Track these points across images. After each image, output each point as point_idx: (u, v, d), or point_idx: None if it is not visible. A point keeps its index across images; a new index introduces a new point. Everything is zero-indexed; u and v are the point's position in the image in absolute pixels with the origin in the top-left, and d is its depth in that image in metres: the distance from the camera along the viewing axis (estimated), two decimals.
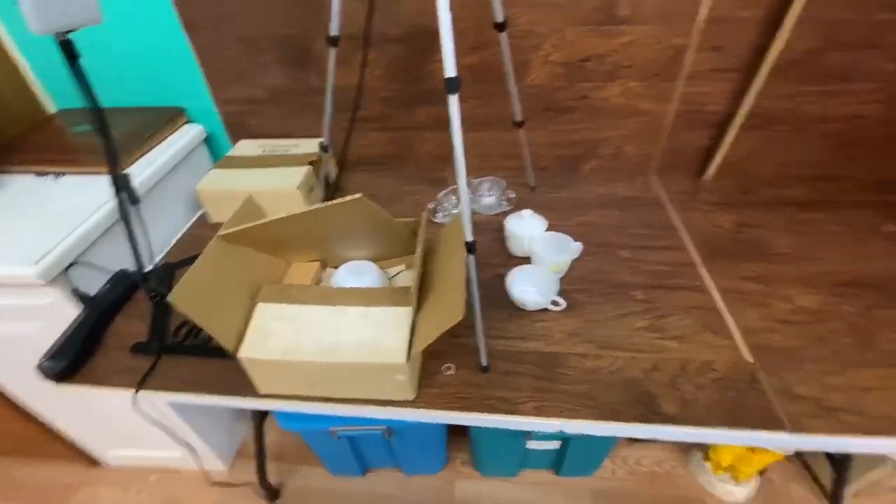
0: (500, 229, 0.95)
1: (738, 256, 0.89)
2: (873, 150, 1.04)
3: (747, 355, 0.71)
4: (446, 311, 0.57)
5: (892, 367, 0.68)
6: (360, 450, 1.14)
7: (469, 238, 0.62)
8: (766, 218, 0.98)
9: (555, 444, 1.12)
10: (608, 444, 1.11)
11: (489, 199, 1.03)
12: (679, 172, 1.12)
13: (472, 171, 1.07)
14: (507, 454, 1.15)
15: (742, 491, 1.16)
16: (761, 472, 1.17)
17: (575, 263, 0.87)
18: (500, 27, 0.76)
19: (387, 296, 0.67)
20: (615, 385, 0.68)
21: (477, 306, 0.67)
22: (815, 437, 0.61)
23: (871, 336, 0.73)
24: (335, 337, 0.63)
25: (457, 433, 1.27)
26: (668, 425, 0.62)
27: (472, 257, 0.63)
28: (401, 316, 0.64)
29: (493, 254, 0.92)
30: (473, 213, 0.94)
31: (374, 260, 0.80)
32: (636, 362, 0.71)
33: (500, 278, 0.82)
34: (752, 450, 1.08)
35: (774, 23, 0.88)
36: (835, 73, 0.94)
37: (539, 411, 0.65)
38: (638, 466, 1.26)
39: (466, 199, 0.60)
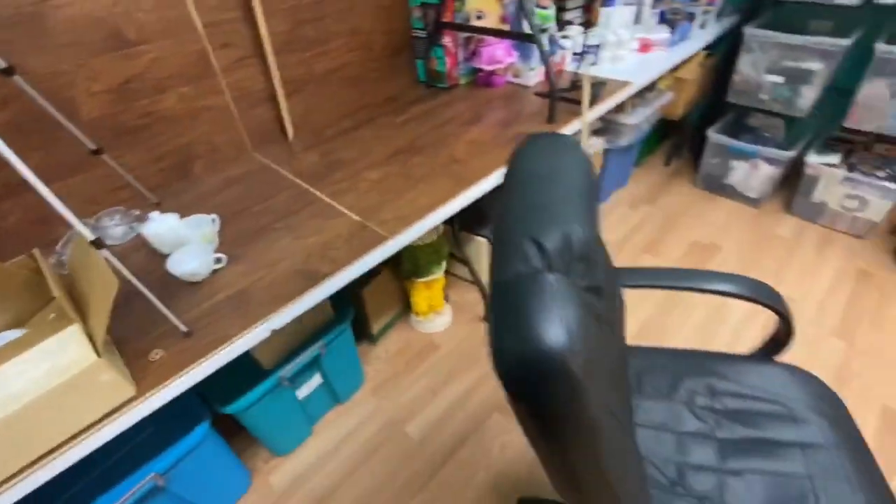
0: (143, 246, 1.02)
1: (329, 173, 1.25)
2: (370, 80, 1.59)
3: (357, 218, 1.07)
4: (103, 291, 0.66)
5: (422, 182, 1.17)
6: None
7: (91, 238, 0.70)
8: (335, 145, 1.38)
9: (318, 381, 1.33)
10: (350, 347, 1.38)
11: (118, 229, 1.06)
12: (270, 142, 1.42)
13: (88, 214, 1.07)
14: (288, 416, 1.28)
15: (442, 319, 1.67)
16: (446, 299, 1.71)
17: (224, 230, 1.05)
18: (7, 72, 0.80)
19: (42, 332, 0.68)
20: (291, 279, 0.91)
21: (145, 289, 0.76)
22: (401, 236, 1.01)
23: (409, 174, 1.20)
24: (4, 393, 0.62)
25: (240, 443, 1.31)
26: (329, 279, 0.91)
27: (104, 250, 0.71)
28: (68, 336, 0.67)
29: (151, 269, 0.98)
30: (110, 247, 0.97)
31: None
32: (297, 260, 0.96)
33: (168, 275, 0.92)
34: (428, 286, 1.57)
35: (252, 19, 1.22)
36: (313, 40, 1.38)
37: (247, 329, 0.82)
38: (388, 353, 1.61)
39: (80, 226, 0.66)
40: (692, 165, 2.34)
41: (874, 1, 1.60)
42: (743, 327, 1.58)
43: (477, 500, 1.22)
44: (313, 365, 1.26)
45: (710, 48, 2.03)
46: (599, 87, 1.53)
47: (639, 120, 1.83)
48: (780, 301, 0.87)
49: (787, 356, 1.52)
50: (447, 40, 1.55)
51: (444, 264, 1.54)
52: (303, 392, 1.29)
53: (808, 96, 1.80)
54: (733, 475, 0.77)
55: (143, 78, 1.12)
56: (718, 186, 2.17)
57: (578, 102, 1.43)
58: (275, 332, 0.86)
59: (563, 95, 1.44)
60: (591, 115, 1.43)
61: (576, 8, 1.84)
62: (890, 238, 1.85)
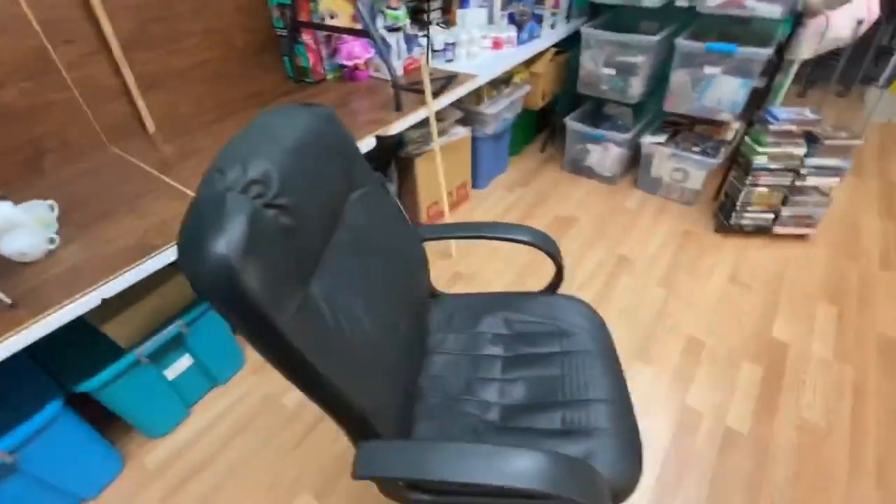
0: None
1: (182, 161, 1.32)
2: (235, 76, 1.67)
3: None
4: None
5: None
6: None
7: None
8: (195, 137, 1.46)
9: (187, 361, 1.39)
10: (221, 327, 1.45)
11: None
12: (130, 135, 1.46)
13: None
14: (156, 397, 1.33)
15: None
16: None
17: (68, 216, 1.10)
18: None
19: None
20: (124, 254, 0.99)
21: None
22: None
23: None
24: None
25: (116, 427, 1.35)
26: (161, 251, 1.00)
27: None
28: None
29: None
30: None
31: None
32: (135, 237, 1.04)
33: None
34: None
35: (94, 16, 1.27)
36: (165, 37, 1.44)
37: (72, 298, 0.89)
38: None
39: None
40: (562, 151, 2.61)
41: (675, 3, 1.92)
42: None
43: (338, 456, 1.34)
44: (179, 345, 1.33)
45: (563, 45, 2.31)
46: (449, 81, 1.72)
47: (497, 110, 2.05)
48: (554, 247, 1.06)
49: (619, 300, 1.76)
50: (307, 38, 1.67)
51: None
52: (172, 373, 1.34)
53: (636, 86, 2.10)
54: (510, 382, 0.96)
55: None
56: (580, 168, 2.45)
57: (439, 91, 1.60)
58: (105, 301, 0.93)
59: (412, 87, 1.61)
60: (436, 104, 1.61)
61: (436, 9, 2.03)
62: (712, 204, 2.20)
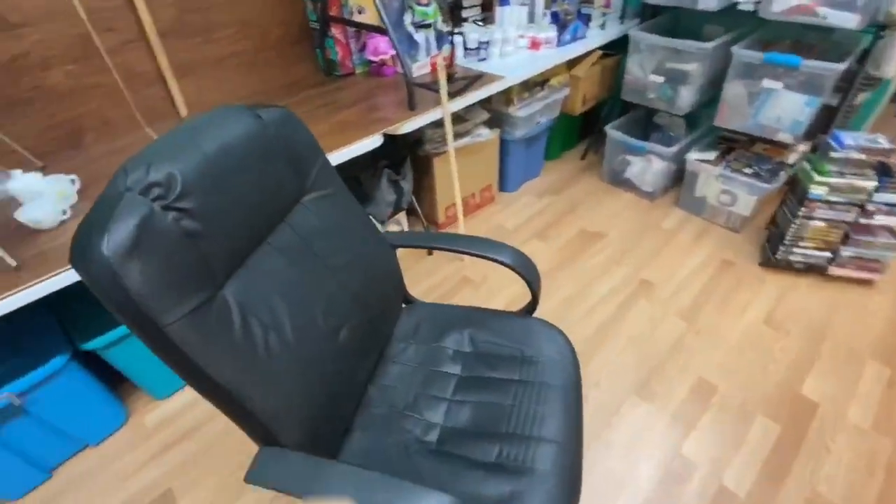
0: (13, 200, 1.18)
1: None
2: (268, 66, 1.73)
3: None
4: None
5: None
6: (15, 443, 1.21)
7: None
8: None
9: None
10: None
11: None
12: (163, 118, 1.57)
13: None
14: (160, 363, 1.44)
15: None
16: None
17: (91, 190, 1.21)
18: None
19: None
20: None
21: None
22: None
23: None
24: None
25: (127, 386, 1.48)
26: None
27: None
28: None
29: (5, 218, 1.13)
30: None
31: None
32: None
33: (19, 223, 1.08)
34: None
35: (135, 8, 1.37)
36: (200, 27, 1.53)
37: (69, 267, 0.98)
38: None
39: None
40: (603, 161, 2.46)
41: (738, 7, 1.72)
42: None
43: None
44: None
45: (614, 47, 2.16)
46: (472, 82, 1.67)
47: (528, 113, 1.97)
48: (531, 273, 1.00)
49: (632, 327, 1.64)
50: (337, 32, 1.70)
51: None
52: None
53: (686, 96, 1.92)
54: (458, 404, 0.92)
55: (28, 56, 1.27)
56: (620, 180, 2.30)
57: (459, 92, 1.58)
58: None
59: (429, 86, 1.59)
60: (453, 105, 1.57)
61: (475, 6, 1.97)
62: (762, 233, 1.97)
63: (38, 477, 1.28)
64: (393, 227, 1.91)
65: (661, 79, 1.95)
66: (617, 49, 2.18)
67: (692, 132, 2.12)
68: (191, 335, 0.56)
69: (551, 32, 1.91)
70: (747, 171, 1.88)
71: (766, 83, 1.66)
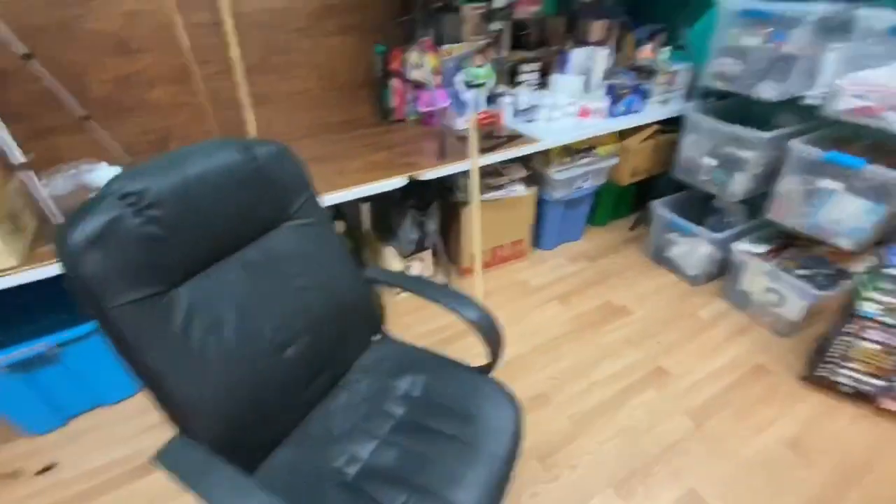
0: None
1: None
2: (330, 105, 1.95)
3: None
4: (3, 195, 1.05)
5: None
6: (44, 386, 1.41)
7: (21, 160, 1.10)
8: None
9: None
10: None
11: (64, 177, 1.48)
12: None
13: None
14: None
15: None
16: None
17: None
18: (27, 57, 1.27)
19: None
20: None
21: (52, 208, 1.15)
22: None
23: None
24: None
25: None
26: None
27: (26, 172, 1.11)
28: None
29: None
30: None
31: None
32: None
33: None
34: None
35: (227, 45, 1.65)
36: (280, 67, 1.78)
37: None
38: None
39: None
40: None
41: (805, 101, 1.62)
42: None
43: None
44: None
45: (675, 123, 2.12)
46: (507, 140, 1.74)
47: (566, 177, 1.98)
48: (493, 335, 1.00)
49: (630, 415, 1.53)
50: (395, 82, 1.88)
51: None
52: None
53: (740, 182, 1.81)
54: (388, 445, 0.94)
55: (142, 75, 1.58)
56: (662, 259, 2.19)
57: (491, 148, 1.67)
58: None
59: (465, 139, 1.68)
60: (482, 159, 1.64)
61: (532, 71, 2.07)
62: (811, 344, 1.75)
63: (56, 422, 1.49)
64: (415, 264, 1.99)
65: (714, 162, 1.87)
66: (676, 125, 2.13)
67: (749, 221, 1.98)
68: (130, 319, 0.66)
69: (602, 103, 1.93)
70: (801, 272, 1.70)
71: (824, 183, 1.53)
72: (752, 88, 1.66)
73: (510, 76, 2.08)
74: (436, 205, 1.86)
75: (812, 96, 1.54)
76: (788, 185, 1.64)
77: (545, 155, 1.95)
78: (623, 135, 2.07)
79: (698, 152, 1.92)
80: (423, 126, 1.95)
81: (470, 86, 1.83)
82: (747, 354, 1.73)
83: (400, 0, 1.83)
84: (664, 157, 2.20)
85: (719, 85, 1.79)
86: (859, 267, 1.69)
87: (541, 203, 2.12)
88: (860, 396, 1.50)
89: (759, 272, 1.79)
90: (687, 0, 2.09)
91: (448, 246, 2.09)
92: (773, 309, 1.78)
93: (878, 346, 1.40)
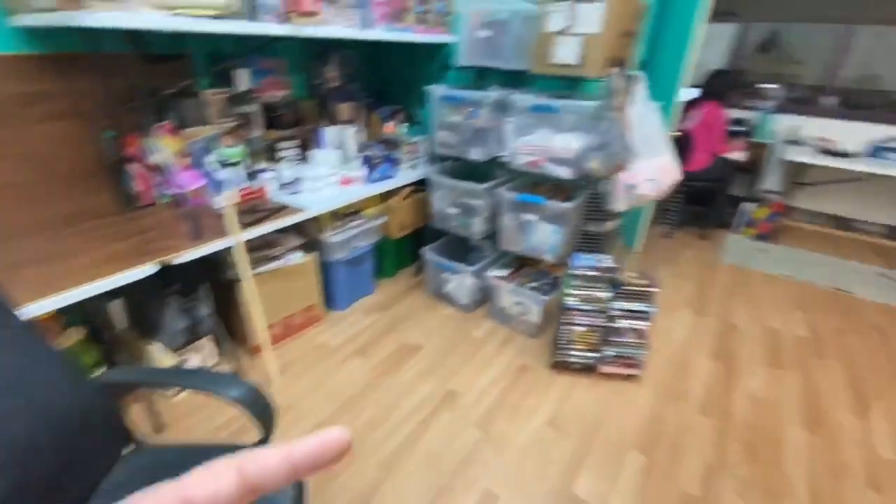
0: None
1: None
2: (64, 196, 1.70)
3: None
4: None
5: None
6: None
7: None
8: None
9: None
10: None
11: None
12: None
13: None
14: None
15: None
16: None
17: None
18: None
19: None
20: None
21: None
22: None
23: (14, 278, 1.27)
24: None
25: None
26: None
27: None
28: None
29: None
30: None
31: None
32: None
33: None
34: None
35: None
36: None
37: None
38: None
39: None
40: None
41: (497, 160, 2.15)
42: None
43: None
44: None
45: (423, 183, 2.51)
46: (271, 213, 1.80)
47: (341, 239, 2.14)
48: (264, 410, 1.00)
49: (429, 443, 1.64)
50: (136, 168, 1.76)
51: (97, 371, 1.54)
52: None
53: (478, 224, 2.26)
54: None
55: None
56: (442, 295, 2.50)
57: (256, 222, 1.67)
58: None
59: (211, 216, 1.67)
60: (246, 234, 1.66)
61: (294, 147, 2.21)
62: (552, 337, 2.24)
63: None
64: (192, 356, 1.81)
65: (457, 210, 2.28)
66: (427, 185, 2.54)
67: (495, 252, 2.46)
68: None
69: (360, 172, 2.18)
70: (532, 284, 2.18)
71: (525, 216, 2.04)
72: (466, 153, 2.13)
73: (270, 153, 2.17)
74: (204, 287, 1.76)
75: (505, 156, 2.07)
76: (507, 221, 2.13)
77: (317, 222, 2.07)
78: (385, 197, 2.36)
79: (444, 204, 2.33)
80: (177, 208, 1.85)
81: (224, 165, 1.85)
82: (513, 359, 2.10)
83: (125, 86, 1.76)
84: (423, 211, 2.58)
85: (445, 151, 2.24)
86: (561, 273, 2.27)
87: (326, 266, 2.21)
88: (587, 369, 1.98)
89: (506, 291, 2.22)
90: (413, 87, 2.57)
91: (232, 327, 1.98)
92: (523, 317, 2.23)
93: (585, 328, 1.90)
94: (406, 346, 2.17)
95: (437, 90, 2.10)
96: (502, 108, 2.01)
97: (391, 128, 2.44)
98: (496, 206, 2.22)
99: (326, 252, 2.17)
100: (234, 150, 1.85)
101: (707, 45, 3.95)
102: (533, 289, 2.15)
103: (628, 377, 1.98)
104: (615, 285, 1.83)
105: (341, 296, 2.39)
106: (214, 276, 1.83)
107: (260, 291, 1.89)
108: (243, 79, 2.02)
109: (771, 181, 3.83)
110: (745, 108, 3.88)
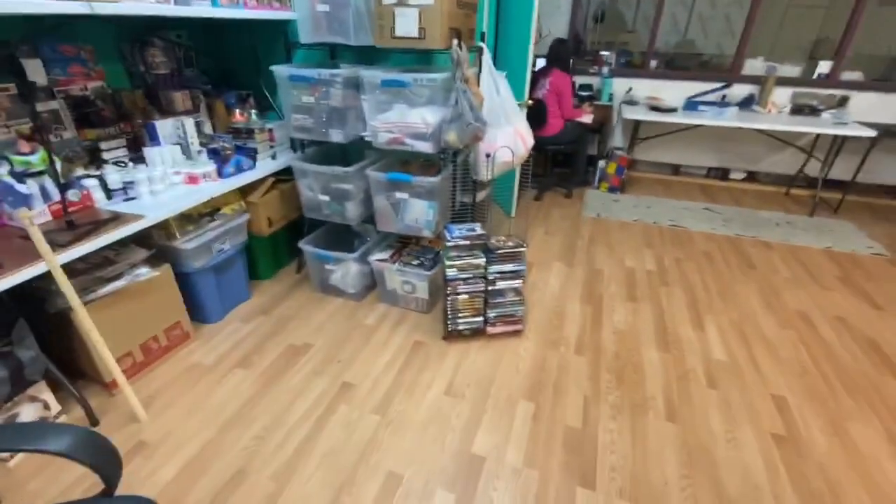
0: None
1: None
2: None
3: None
4: None
5: None
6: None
7: None
8: None
9: None
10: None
11: None
12: None
13: None
14: None
15: None
16: None
17: None
18: None
19: None
20: None
21: None
22: None
23: None
24: None
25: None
26: None
27: None
28: None
29: None
30: None
31: None
32: None
33: None
34: None
35: None
36: None
37: None
38: None
39: None
40: None
41: (364, 139, 2.09)
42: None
43: None
44: None
45: (289, 172, 2.35)
46: (99, 225, 1.54)
47: (197, 244, 1.92)
48: (103, 457, 0.85)
49: (326, 441, 1.48)
50: None
51: None
52: None
53: (352, 209, 2.19)
54: None
55: None
56: (328, 288, 2.40)
57: (75, 240, 1.40)
58: None
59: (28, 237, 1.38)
60: (64, 255, 1.40)
61: (116, 148, 1.90)
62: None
63: None
64: (25, 408, 1.51)
65: (327, 197, 2.18)
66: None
67: (378, 235, 2.41)
68: None
69: (209, 167, 1.96)
70: (415, 262, 2.20)
71: (398, 195, 2.03)
72: (326, 136, 2.03)
73: (93, 156, 1.85)
74: (20, 326, 1.46)
75: (366, 135, 2.01)
76: (380, 202, 2.10)
77: (164, 229, 1.83)
78: (246, 191, 2.16)
79: (313, 192, 2.21)
80: None
81: (24, 176, 1.52)
82: (407, 338, 2.11)
83: None
84: (294, 202, 2.43)
85: (302, 136, 2.11)
86: (441, 247, 2.32)
87: (185, 277, 1.98)
88: (477, 333, 2.06)
89: (392, 272, 2.21)
90: (261, 70, 2.37)
91: (77, 364, 1.68)
92: (413, 295, 2.24)
93: (467, 296, 1.96)
94: (293, 346, 2.05)
95: (282, 70, 1.95)
96: (355, 85, 1.94)
97: (239, 116, 2.22)
98: (368, 189, 2.16)
99: (182, 261, 1.93)
100: (33, 158, 1.52)
101: (550, 15, 4.25)
102: (417, 266, 2.17)
103: (514, 333, 2.11)
104: (489, 250, 1.91)
105: (212, 307, 2.17)
106: (35, 309, 1.53)
107: (105, 317, 1.64)
108: (36, 70, 1.67)
109: (616, 139, 4.30)
110: (590, 74, 4.28)
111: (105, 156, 1.86)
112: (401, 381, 1.86)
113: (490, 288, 1.96)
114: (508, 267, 1.94)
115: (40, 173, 1.56)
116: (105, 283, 1.64)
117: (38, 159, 1.54)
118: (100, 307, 1.63)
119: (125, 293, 1.70)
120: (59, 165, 1.61)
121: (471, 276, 1.92)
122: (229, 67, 2.51)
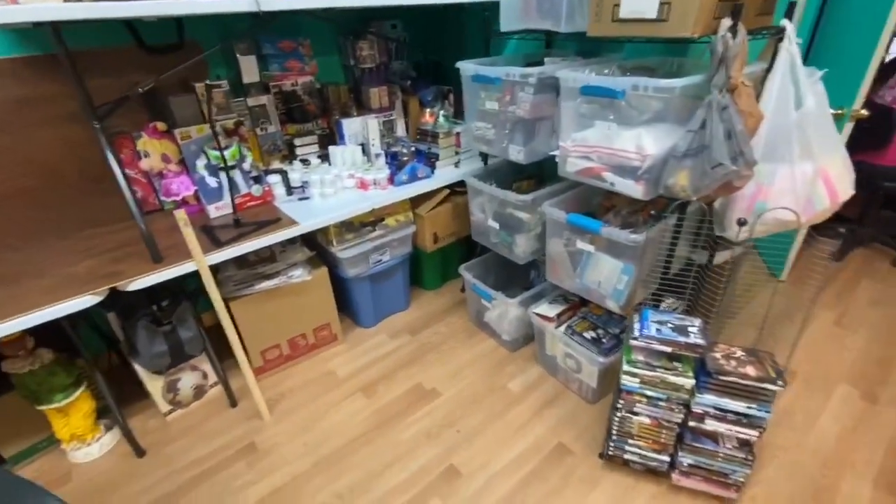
0: None
1: None
2: (75, 202, 1.67)
3: None
4: None
5: None
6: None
7: None
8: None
9: None
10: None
11: None
12: None
13: None
14: None
15: (89, 449, 1.56)
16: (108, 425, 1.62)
17: None
18: None
19: None
20: None
21: None
22: None
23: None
24: None
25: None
26: None
27: None
28: None
29: None
30: None
31: None
32: None
33: None
34: (63, 412, 1.50)
35: None
36: None
37: None
38: None
39: None
40: None
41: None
42: None
43: None
44: None
45: None
46: (257, 228, 1.54)
47: (353, 254, 1.80)
48: None
49: None
50: (134, 172, 1.64)
51: (75, 390, 1.48)
52: None
53: (522, 245, 1.71)
54: None
55: None
56: (483, 324, 2.04)
57: (233, 240, 1.45)
58: None
59: (211, 230, 1.45)
60: (213, 257, 1.42)
61: (310, 144, 1.92)
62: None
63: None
64: (185, 376, 1.69)
65: (497, 225, 1.77)
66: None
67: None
68: None
69: (381, 173, 1.80)
70: (589, 335, 1.59)
71: (580, 244, 1.44)
72: (504, 151, 1.59)
73: (290, 151, 1.92)
74: (185, 307, 1.59)
75: (555, 154, 1.48)
76: (554, 246, 1.55)
77: (325, 234, 1.77)
78: (417, 200, 1.95)
79: (485, 215, 1.82)
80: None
81: (218, 169, 1.63)
82: (551, 432, 1.57)
83: (124, 84, 1.62)
84: (469, 219, 2.10)
85: (483, 148, 1.72)
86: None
87: (342, 280, 1.92)
88: (653, 473, 1.36)
89: (554, 338, 1.67)
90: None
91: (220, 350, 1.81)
92: (577, 375, 1.66)
93: (648, 420, 1.28)
94: (420, 388, 1.78)
95: (467, 69, 1.58)
96: (554, 89, 1.42)
97: (430, 116, 1.99)
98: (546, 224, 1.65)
99: (339, 266, 1.86)
100: (227, 153, 1.61)
101: None
102: (591, 342, 1.56)
103: (719, 500, 1.32)
104: (705, 370, 1.17)
105: (365, 312, 2.09)
106: (198, 295, 1.66)
107: (260, 309, 1.71)
108: (250, 66, 1.77)
109: None
110: None
111: (298, 151, 1.90)
112: (520, 497, 1.37)
113: (693, 423, 1.23)
114: (735, 406, 1.16)
115: (229, 168, 1.65)
116: (262, 280, 1.67)
117: (229, 154, 1.62)
118: (256, 300, 1.68)
119: (281, 290, 1.72)
120: (248, 161, 1.68)
121: (662, 396, 1.23)
122: (439, 59, 2.30)
